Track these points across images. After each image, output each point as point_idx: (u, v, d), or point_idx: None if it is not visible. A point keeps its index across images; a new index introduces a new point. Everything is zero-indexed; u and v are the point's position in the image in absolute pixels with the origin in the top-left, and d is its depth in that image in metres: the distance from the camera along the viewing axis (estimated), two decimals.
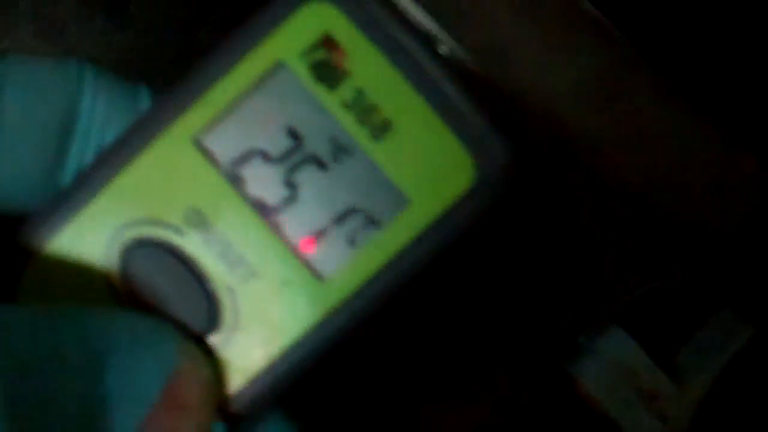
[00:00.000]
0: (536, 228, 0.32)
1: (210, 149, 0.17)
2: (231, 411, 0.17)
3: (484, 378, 0.33)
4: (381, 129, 0.17)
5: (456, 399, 0.33)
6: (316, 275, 0.17)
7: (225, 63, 0.17)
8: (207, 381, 0.16)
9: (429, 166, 0.17)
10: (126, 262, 0.17)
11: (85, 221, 0.17)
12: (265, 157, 0.17)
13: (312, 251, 0.17)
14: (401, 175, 0.17)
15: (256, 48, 0.17)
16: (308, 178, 0.17)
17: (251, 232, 0.17)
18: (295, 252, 0.17)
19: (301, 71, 0.17)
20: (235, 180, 0.17)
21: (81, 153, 0.17)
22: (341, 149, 0.17)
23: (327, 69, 0.17)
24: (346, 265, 0.17)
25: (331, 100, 0.17)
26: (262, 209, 0.17)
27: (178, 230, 0.17)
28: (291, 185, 0.17)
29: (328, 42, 0.17)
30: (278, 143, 0.17)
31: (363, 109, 0.17)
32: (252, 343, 0.17)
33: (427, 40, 0.17)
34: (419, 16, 0.25)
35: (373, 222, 0.17)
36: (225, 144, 0.17)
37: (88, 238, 0.17)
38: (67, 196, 0.17)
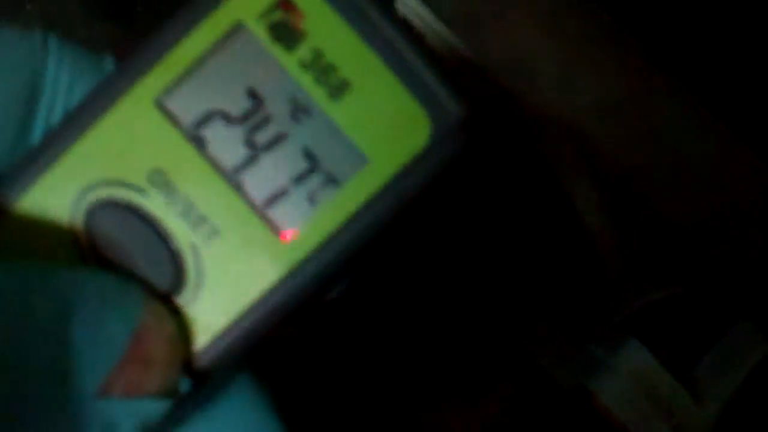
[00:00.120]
0: (543, 229, 0.32)
1: (172, 110, 0.17)
2: (196, 368, 0.17)
3: (487, 380, 0.34)
4: (338, 89, 0.17)
5: (460, 400, 0.34)
6: (277, 234, 0.17)
7: (185, 25, 0.17)
8: (172, 336, 0.17)
9: (386, 125, 0.17)
10: (91, 222, 0.17)
11: (50, 182, 0.17)
12: (226, 117, 0.17)
13: (273, 210, 0.17)
14: (359, 134, 0.17)
15: (215, 10, 0.17)
16: (268, 139, 0.17)
17: (213, 191, 0.17)
18: (256, 211, 0.17)
19: (260, 32, 0.17)
20: (196, 141, 0.17)
21: (47, 120, 0.18)
22: (300, 109, 0.17)
23: (285, 30, 0.17)
24: (307, 224, 0.17)
25: (289, 61, 0.17)
26: (223, 169, 0.17)
27: (141, 191, 0.17)
28: (252, 145, 0.17)
29: (285, 3, 0.17)
30: (239, 104, 0.17)
31: (320, 69, 0.17)
32: (216, 301, 0.17)
33: (383, 1, 0.17)
34: (441, 29, 0.26)
35: (332, 180, 0.17)
36: (186, 105, 0.17)
37: (54, 198, 0.17)
38: (32, 158, 0.17)
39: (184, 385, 0.17)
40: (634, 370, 0.32)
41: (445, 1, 0.25)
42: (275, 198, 0.17)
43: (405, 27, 0.17)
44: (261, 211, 0.17)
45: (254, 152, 0.17)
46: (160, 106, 0.17)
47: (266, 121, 0.17)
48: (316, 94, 0.17)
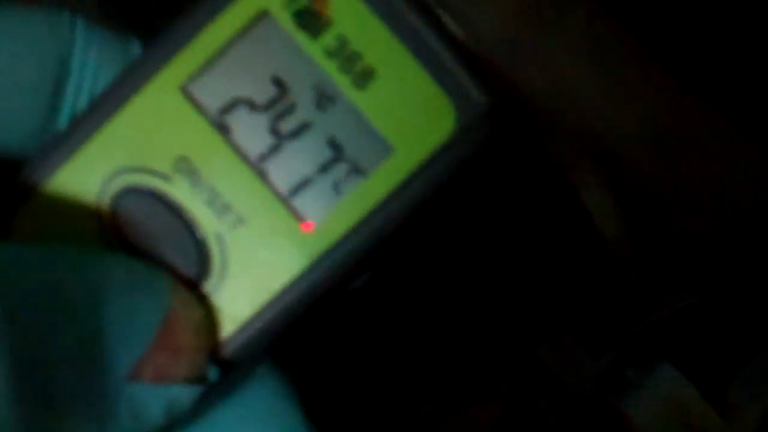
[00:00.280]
0: (557, 235, 0.33)
1: (197, 97, 0.18)
2: (222, 357, 0.18)
3: (491, 383, 0.34)
4: (364, 77, 0.17)
5: (460, 402, 0.34)
6: (303, 223, 0.18)
7: (210, 11, 0.18)
8: (200, 324, 0.17)
9: (411, 114, 0.17)
10: (117, 208, 0.18)
11: (77, 166, 0.18)
12: (251, 105, 0.18)
13: (298, 199, 0.18)
14: (384, 122, 0.17)
15: None
16: (293, 127, 0.18)
17: (238, 179, 0.18)
18: (280, 200, 0.18)
19: (285, 19, 0.17)
20: (221, 128, 0.18)
21: (74, 102, 0.18)
22: (325, 97, 0.18)
23: (310, 17, 0.17)
24: (332, 213, 0.18)
25: (314, 48, 0.17)
26: (248, 157, 0.18)
27: (166, 178, 0.18)
28: (276, 134, 0.18)
29: None
30: (264, 92, 0.18)
31: (346, 57, 0.17)
32: (241, 290, 0.18)
33: None
34: (480, 55, 0.26)
35: (357, 170, 0.18)
36: (211, 92, 0.18)
37: (80, 183, 0.18)
38: (59, 141, 0.18)
39: (212, 374, 0.17)
40: (666, 392, 0.32)
41: (484, 27, 0.25)
42: (300, 187, 0.18)
43: (430, 15, 0.18)
44: (286, 200, 0.18)
45: (279, 140, 0.18)
46: (186, 93, 0.18)
47: (291, 109, 0.18)
48: (341, 82, 0.17)
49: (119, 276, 0.16)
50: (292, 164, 0.18)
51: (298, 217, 0.18)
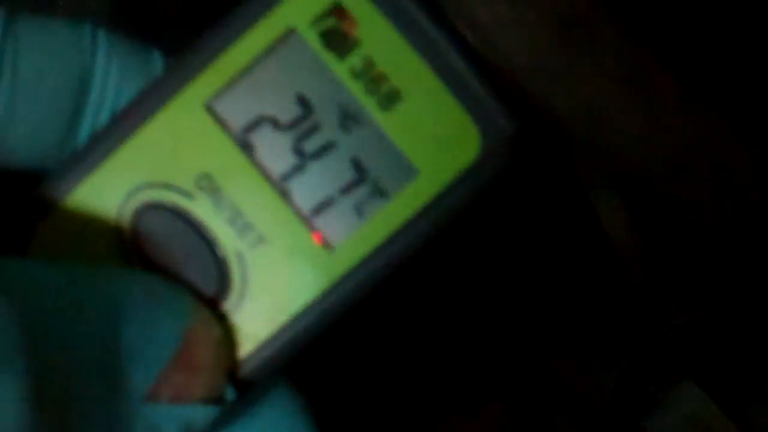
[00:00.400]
0: (569, 244, 0.32)
1: (221, 115, 0.18)
2: (239, 377, 0.18)
3: (497, 389, 0.34)
4: (389, 98, 0.17)
5: (467, 407, 0.34)
6: (324, 244, 0.18)
7: (237, 29, 0.18)
8: (218, 342, 0.17)
9: (436, 137, 0.17)
10: (137, 224, 0.18)
11: (98, 181, 0.18)
12: (275, 124, 0.18)
13: (320, 220, 0.18)
14: (409, 145, 0.17)
15: (267, 14, 0.18)
16: (317, 147, 0.18)
17: (260, 198, 0.18)
18: (302, 220, 0.18)
19: (312, 39, 0.17)
20: (245, 146, 0.18)
21: (95, 115, 0.18)
22: (350, 118, 0.18)
23: (337, 37, 0.17)
24: (353, 235, 0.18)
25: (340, 68, 0.17)
26: (271, 176, 0.18)
27: (189, 195, 0.18)
28: (300, 153, 0.18)
29: (338, 10, 0.17)
30: (288, 110, 0.18)
31: (372, 77, 0.17)
32: (260, 310, 0.18)
33: (436, 11, 0.17)
34: (508, 78, 0.26)
35: (380, 192, 0.18)
36: (236, 110, 0.18)
37: (102, 197, 0.18)
38: (82, 156, 0.18)
39: (230, 394, 0.17)
40: (690, 411, 0.32)
41: (514, 51, 0.25)
42: (322, 207, 0.18)
43: (458, 38, 0.18)
44: (307, 221, 0.18)
45: (302, 160, 0.18)
46: (210, 110, 0.18)
47: (315, 128, 0.18)
48: (367, 103, 0.17)
49: (138, 294, 0.16)
50: (314, 184, 0.18)
51: (319, 237, 0.18)
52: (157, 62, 0.19)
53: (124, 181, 0.18)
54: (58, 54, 0.18)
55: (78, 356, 0.15)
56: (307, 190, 0.18)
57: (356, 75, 0.17)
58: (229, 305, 0.18)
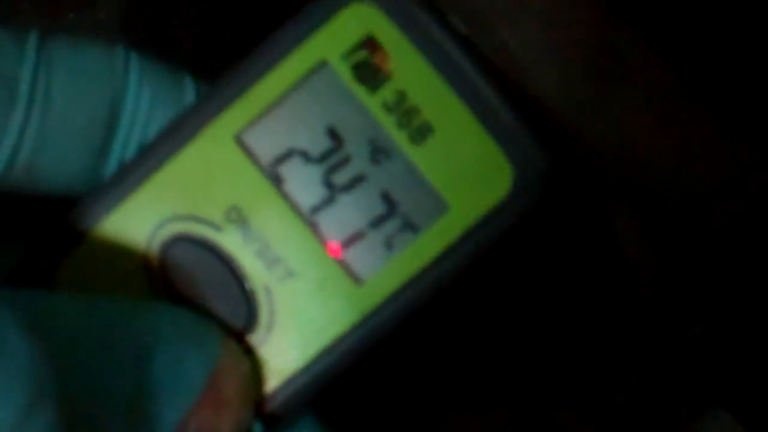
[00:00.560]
0: (583, 257, 0.32)
1: (251, 147, 0.18)
2: (266, 411, 0.18)
3: (498, 392, 0.34)
4: (421, 132, 0.17)
5: (467, 410, 0.34)
6: (353, 278, 0.18)
7: (269, 61, 0.18)
8: (246, 377, 0.17)
9: (468, 171, 0.17)
10: (166, 255, 0.18)
11: (128, 212, 0.18)
12: (305, 156, 0.18)
13: (349, 254, 0.18)
14: (440, 179, 0.18)
15: (299, 47, 0.18)
16: (347, 180, 0.18)
17: (289, 231, 0.18)
18: (332, 253, 0.18)
19: (344, 71, 0.18)
20: (275, 179, 0.18)
21: (125, 141, 0.18)
22: (381, 151, 0.18)
23: (369, 70, 0.17)
24: (383, 269, 0.18)
25: (372, 102, 0.18)
26: (300, 209, 0.18)
27: (217, 227, 0.18)
28: (330, 186, 0.18)
29: (370, 43, 0.17)
30: (318, 143, 0.18)
31: (404, 111, 0.17)
32: (288, 344, 0.18)
33: (468, 44, 0.18)
34: (541, 110, 0.26)
35: (410, 226, 0.18)
36: (266, 142, 0.18)
37: (130, 228, 0.18)
38: (110, 186, 0.18)
39: (257, 429, 0.17)
40: None
41: (548, 83, 0.25)
42: (351, 241, 0.18)
43: (491, 72, 0.18)
44: (337, 254, 0.18)
45: (332, 193, 0.18)
46: (240, 142, 0.18)
47: (345, 161, 0.18)
48: (398, 137, 0.18)
49: (167, 329, 0.16)
50: (344, 217, 0.18)
51: (348, 271, 0.18)
52: (189, 87, 0.19)
53: (154, 213, 0.18)
54: (91, 79, 0.18)
55: (107, 393, 0.15)
56: (336, 223, 0.18)
57: (388, 108, 0.18)
58: (256, 339, 0.18)
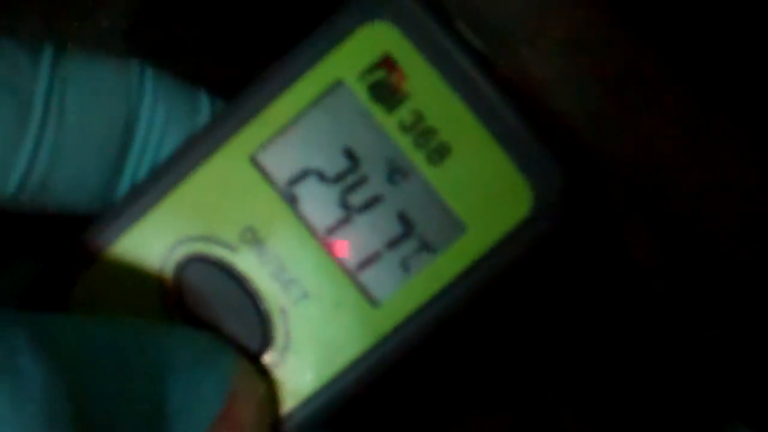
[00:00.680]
0: (594, 265, 0.32)
1: (267, 167, 0.18)
2: None
3: (501, 397, 0.34)
4: (438, 153, 0.17)
5: (469, 414, 0.34)
6: (369, 300, 0.18)
7: (284, 80, 0.18)
8: (262, 400, 0.17)
9: (486, 192, 0.17)
10: (180, 276, 0.18)
11: (142, 232, 0.18)
12: (321, 177, 0.18)
13: (365, 275, 0.18)
14: (458, 200, 0.17)
15: (315, 66, 0.18)
16: (363, 200, 0.18)
17: (305, 252, 0.18)
18: (348, 275, 0.18)
19: (360, 91, 0.17)
20: (290, 199, 0.18)
21: (139, 158, 0.18)
22: (398, 172, 0.18)
23: (386, 90, 0.17)
24: (399, 291, 0.18)
25: (389, 122, 0.17)
26: (316, 230, 0.18)
27: (232, 248, 0.18)
28: (346, 206, 0.18)
29: (387, 62, 0.17)
30: (334, 163, 0.18)
31: (421, 132, 0.17)
32: (303, 366, 0.18)
33: (486, 63, 0.18)
34: (560, 131, 0.26)
35: (427, 247, 0.18)
36: (282, 162, 0.18)
37: (145, 249, 0.18)
38: (124, 206, 0.18)
39: None
40: None
41: (570, 103, 0.25)
42: (368, 262, 0.18)
43: (509, 91, 0.18)
44: (352, 275, 0.18)
45: (348, 213, 0.18)
46: (255, 163, 0.18)
47: (362, 182, 0.18)
48: (415, 158, 0.17)
49: (183, 352, 0.16)
50: (360, 238, 0.18)
51: (364, 293, 0.18)
52: (204, 104, 0.19)
53: (168, 233, 0.18)
54: (105, 95, 0.18)
55: (122, 417, 0.15)
56: (352, 244, 0.18)
57: (405, 129, 0.18)
58: (271, 360, 0.18)
